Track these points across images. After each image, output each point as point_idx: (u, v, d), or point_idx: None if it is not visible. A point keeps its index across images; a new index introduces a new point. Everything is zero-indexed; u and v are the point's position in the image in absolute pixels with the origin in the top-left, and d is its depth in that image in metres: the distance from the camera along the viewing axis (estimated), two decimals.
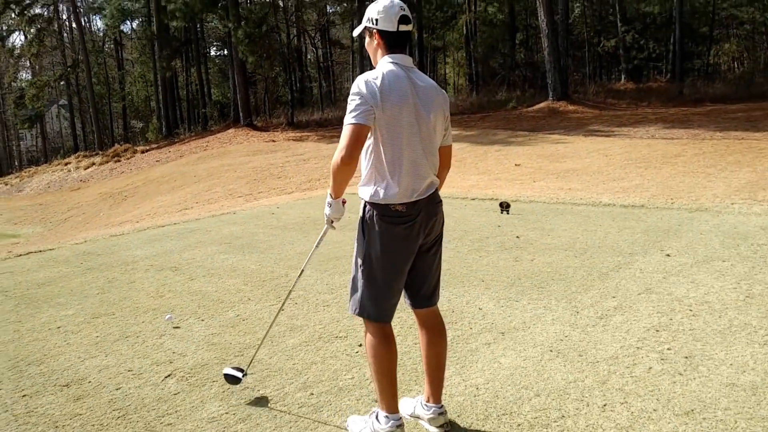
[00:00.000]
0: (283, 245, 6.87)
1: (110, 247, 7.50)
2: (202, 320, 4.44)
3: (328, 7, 44.16)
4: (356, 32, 2.76)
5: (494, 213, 7.98)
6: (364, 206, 2.64)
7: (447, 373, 2.90)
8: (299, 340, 3.91)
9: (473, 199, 9.33)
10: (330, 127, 28.93)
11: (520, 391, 3.06)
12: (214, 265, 6.17)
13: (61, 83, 44.64)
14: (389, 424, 2.63)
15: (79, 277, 5.98)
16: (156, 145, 31.57)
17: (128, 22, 44.87)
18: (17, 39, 51.63)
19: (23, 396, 3.36)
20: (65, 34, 45.14)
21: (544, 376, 3.21)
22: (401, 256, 2.63)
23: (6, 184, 32.78)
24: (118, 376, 3.54)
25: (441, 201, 2.75)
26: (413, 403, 2.89)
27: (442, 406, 2.80)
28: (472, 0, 36.70)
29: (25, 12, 41.64)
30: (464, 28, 36.34)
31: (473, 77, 36.67)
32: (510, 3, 34.82)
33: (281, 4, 39.40)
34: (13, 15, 42.97)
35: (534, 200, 8.87)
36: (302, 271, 3.18)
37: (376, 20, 2.61)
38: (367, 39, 2.70)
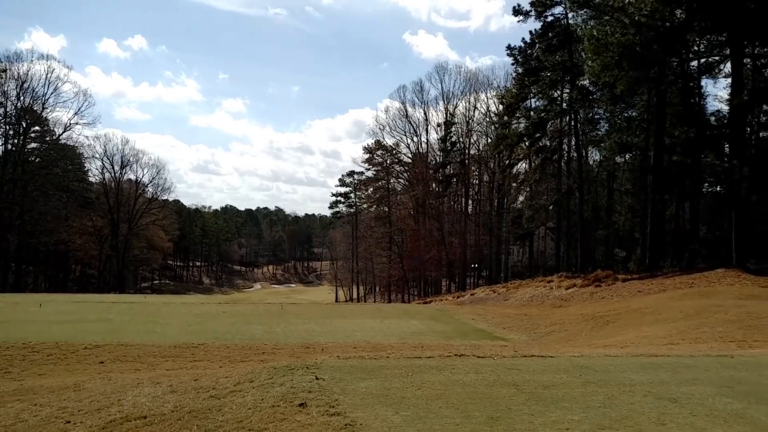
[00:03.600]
0: None
1: (605, 365, 7.91)
2: None
3: None
4: None
5: None
6: None
7: None
8: None
9: None
10: None
11: None
12: (715, 406, 5.97)
13: (552, 207, 48.84)
14: None
15: (579, 388, 6.50)
16: (637, 276, 31.59)
17: (623, 155, 46.77)
18: (522, 166, 58.78)
19: None
20: (563, 164, 49.61)
21: None
22: None
23: (494, 292, 37.02)
24: None
25: None
26: None
27: None
28: None
29: (534, 144, 47.66)
30: None
31: None
32: None
33: None
34: (523, 146, 49.58)
35: None
36: None
37: None
38: None
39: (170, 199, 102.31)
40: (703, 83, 39.71)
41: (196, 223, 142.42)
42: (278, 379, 6.53)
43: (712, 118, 36.93)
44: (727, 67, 33.15)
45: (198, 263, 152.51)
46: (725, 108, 35.72)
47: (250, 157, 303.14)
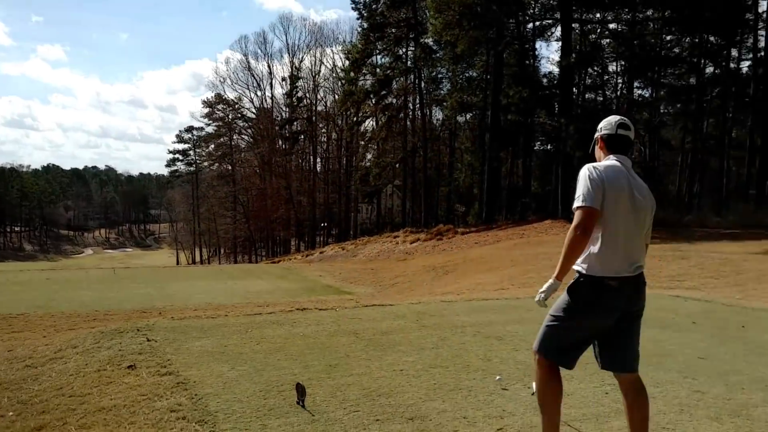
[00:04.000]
0: None
1: (441, 310, 8.26)
2: (529, 388, 4.67)
3: (661, 108, 42.79)
4: (590, 149, 3.41)
5: None
6: (579, 276, 3.10)
7: None
8: (625, 424, 3.89)
9: None
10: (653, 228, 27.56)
11: None
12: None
13: (398, 165, 49.99)
14: None
15: (415, 332, 6.72)
16: (475, 229, 33.35)
17: (464, 114, 48.68)
18: (369, 124, 59.21)
19: (377, 420, 3.93)
20: (408, 122, 50.80)
21: None
22: (598, 323, 3.10)
23: (343, 249, 37.49)
24: (455, 420, 3.94)
25: (645, 282, 3.19)
26: None
27: None
28: None
29: (380, 101, 48.16)
30: None
31: None
32: None
33: (613, 102, 39.43)
34: (370, 103, 49.97)
35: None
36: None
37: (600, 128, 3.27)
38: (596, 148, 3.32)
39: None
40: (537, 46, 42.21)
41: (13, 184, 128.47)
42: (105, 342, 6.15)
43: (545, 80, 39.30)
44: (558, 31, 35.29)
45: (17, 228, 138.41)
46: (556, 70, 38.24)
47: (75, 111, 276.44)
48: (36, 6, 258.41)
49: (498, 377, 4.81)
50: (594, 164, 3.10)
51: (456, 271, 19.54)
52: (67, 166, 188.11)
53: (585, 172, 3.06)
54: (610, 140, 3.22)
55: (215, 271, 28.00)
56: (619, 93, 41.35)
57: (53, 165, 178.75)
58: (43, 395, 4.68)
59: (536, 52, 40.99)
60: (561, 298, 3.20)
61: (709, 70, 38.87)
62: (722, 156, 38.22)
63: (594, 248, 3.05)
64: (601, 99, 40.97)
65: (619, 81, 42.84)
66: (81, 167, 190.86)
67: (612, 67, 42.41)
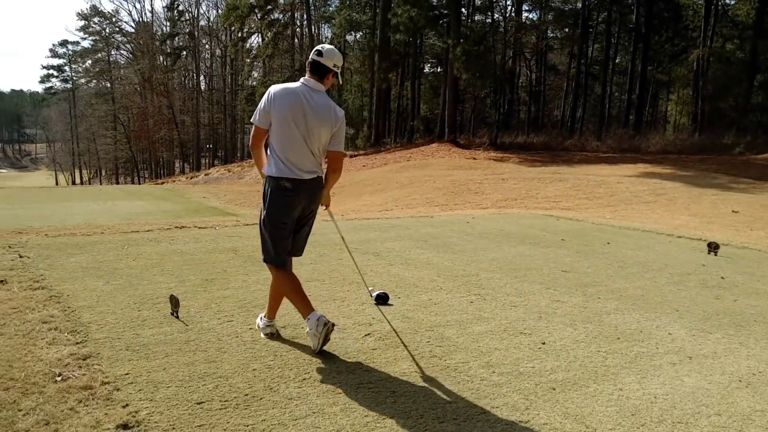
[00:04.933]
0: (476, 250, 7.22)
1: (322, 229, 8.30)
2: (399, 298, 4.93)
3: (548, 32, 43.91)
4: None
5: (701, 253, 7.61)
6: (266, 180, 3.64)
7: (627, 380, 3.43)
8: (485, 329, 4.22)
9: (679, 237, 8.97)
10: (533, 151, 28.84)
11: (699, 407, 3.11)
12: (410, 256, 6.70)
13: None
14: (267, 324, 3.93)
15: None
16: (364, 152, 33.54)
17: (353, 33, 47.79)
18: (255, 41, 56.93)
19: (249, 329, 4.04)
20: (296, 40, 49.28)
21: (728, 400, 3.22)
22: (286, 218, 3.64)
23: (229, 171, 36.73)
24: None
25: (322, 188, 3.77)
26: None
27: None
28: (708, 34, 34.05)
29: (266, 17, 46.24)
30: (695, 63, 34.07)
31: (697, 117, 34.03)
32: (753, 41, 31.89)
33: (501, 25, 39.98)
34: (255, 19, 47.90)
35: (748, 247, 8.34)
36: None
37: None
38: None
39: None
40: None
41: None
42: None
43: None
44: None
45: None
46: None
47: None
48: None
49: (370, 289, 5.00)
50: (274, 86, 3.61)
51: (342, 193, 19.70)
52: None
53: (265, 94, 3.60)
54: (309, 65, 3.68)
55: (95, 192, 26.65)
56: (507, 15, 41.89)
57: None
58: None
59: None
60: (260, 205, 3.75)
61: None
62: (605, 82, 40.00)
63: (272, 154, 3.60)
64: (490, 21, 41.35)
65: (508, 3, 43.28)
66: None
67: None
